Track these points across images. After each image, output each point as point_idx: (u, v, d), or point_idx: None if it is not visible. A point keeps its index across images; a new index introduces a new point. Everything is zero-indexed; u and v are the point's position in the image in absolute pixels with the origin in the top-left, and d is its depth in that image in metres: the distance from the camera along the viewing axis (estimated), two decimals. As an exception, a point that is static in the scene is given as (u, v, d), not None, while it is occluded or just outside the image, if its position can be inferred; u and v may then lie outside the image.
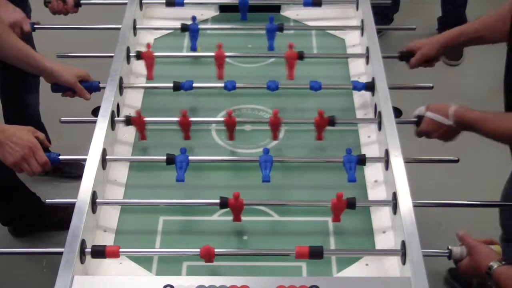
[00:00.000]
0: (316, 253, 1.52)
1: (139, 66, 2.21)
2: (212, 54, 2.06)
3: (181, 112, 1.85)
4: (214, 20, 2.44)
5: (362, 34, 2.24)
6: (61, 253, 1.48)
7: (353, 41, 2.31)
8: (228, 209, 1.65)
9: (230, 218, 1.67)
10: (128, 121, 1.87)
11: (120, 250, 1.53)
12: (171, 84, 2.00)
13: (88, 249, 1.53)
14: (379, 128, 1.88)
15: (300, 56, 2.06)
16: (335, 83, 2.08)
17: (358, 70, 2.18)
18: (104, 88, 1.94)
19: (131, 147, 1.93)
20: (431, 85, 2.11)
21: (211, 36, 2.30)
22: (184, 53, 2.25)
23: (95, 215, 1.65)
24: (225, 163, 1.87)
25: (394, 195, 1.63)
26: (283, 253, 1.58)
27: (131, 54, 2.11)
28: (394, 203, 1.63)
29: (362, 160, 1.75)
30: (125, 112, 2.03)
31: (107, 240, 1.65)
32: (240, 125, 1.91)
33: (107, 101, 1.88)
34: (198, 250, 1.52)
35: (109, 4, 2.49)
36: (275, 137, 1.89)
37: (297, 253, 1.51)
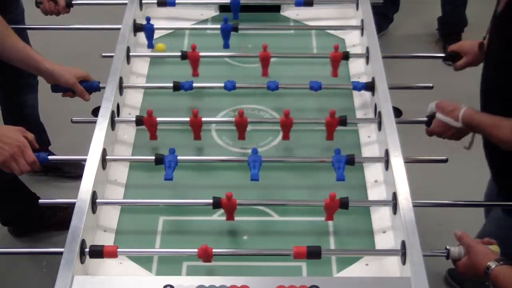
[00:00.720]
0: (314, 253, 1.51)
1: (139, 66, 2.21)
2: (257, 54, 2.06)
3: (193, 113, 1.84)
4: (214, 20, 2.44)
5: (362, 34, 2.24)
6: (61, 253, 1.48)
7: (353, 41, 2.31)
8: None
9: (230, 218, 1.68)
10: (139, 121, 1.87)
11: (119, 250, 1.53)
12: (171, 84, 2.00)
13: (88, 249, 1.53)
14: (379, 128, 1.88)
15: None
16: (335, 83, 2.08)
17: (358, 70, 2.18)
18: (104, 88, 1.94)
19: (131, 147, 1.93)
20: (431, 85, 2.11)
21: (211, 36, 2.30)
22: (217, 53, 2.22)
23: (95, 215, 1.65)
24: (225, 163, 1.87)
25: (394, 195, 1.63)
26: (283, 253, 1.58)
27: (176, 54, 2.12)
28: (394, 203, 1.63)
29: (351, 160, 1.75)
30: (125, 112, 2.03)
31: (107, 240, 1.65)
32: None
33: (107, 101, 1.88)
34: (196, 250, 1.52)
35: (109, 4, 2.49)
36: (285, 137, 1.88)
37: (295, 253, 1.51)
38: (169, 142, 1.93)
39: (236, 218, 1.68)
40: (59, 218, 2.80)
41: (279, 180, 1.83)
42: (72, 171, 3.10)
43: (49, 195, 2.85)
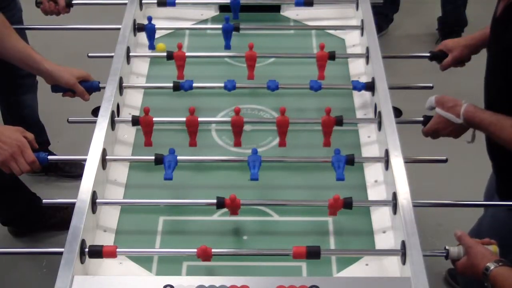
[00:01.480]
0: (313, 253, 1.51)
1: (139, 66, 2.21)
2: (243, 54, 2.05)
3: (189, 110, 1.84)
4: (214, 20, 2.44)
5: (362, 34, 2.24)
6: (61, 253, 1.48)
7: (353, 41, 2.31)
8: (227, 209, 1.65)
9: (230, 218, 1.68)
10: (135, 121, 1.87)
11: (118, 250, 1.53)
12: (171, 84, 2.00)
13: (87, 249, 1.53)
14: (379, 128, 1.88)
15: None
16: (335, 83, 2.08)
17: (358, 70, 2.18)
18: (104, 88, 1.94)
19: (131, 147, 1.93)
20: (431, 85, 2.11)
21: (211, 36, 2.30)
22: (217, 53, 2.22)
23: (95, 215, 1.65)
24: (225, 163, 1.87)
25: (394, 195, 1.63)
26: (283, 253, 1.58)
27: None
28: (394, 203, 1.63)
29: (350, 160, 1.75)
30: (125, 112, 2.03)
31: (107, 240, 1.65)
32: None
33: (107, 101, 1.88)
34: (195, 250, 1.52)
35: (109, 4, 2.49)
36: (281, 143, 1.86)
37: (294, 253, 1.51)
38: (169, 142, 1.93)
39: (236, 218, 1.68)
40: (59, 218, 2.81)
41: (279, 180, 1.83)
42: (72, 171, 3.10)
43: (49, 195, 2.85)
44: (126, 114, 2.02)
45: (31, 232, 2.86)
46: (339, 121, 1.85)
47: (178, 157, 1.75)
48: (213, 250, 1.52)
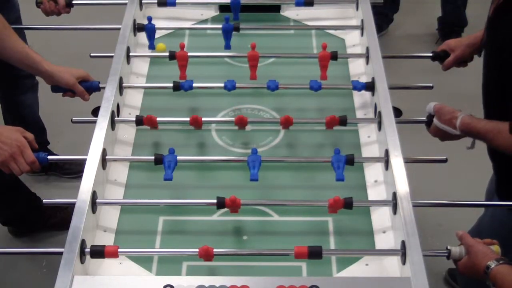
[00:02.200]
0: (315, 253, 1.51)
1: (139, 66, 2.21)
2: (243, 54, 2.06)
3: (192, 118, 1.86)
4: (214, 20, 2.44)
5: (362, 34, 2.24)
6: (61, 253, 1.48)
7: (353, 41, 2.31)
8: (226, 209, 1.65)
9: (230, 218, 1.68)
10: (139, 121, 1.87)
11: (119, 250, 1.53)
12: (171, 84, 2.00)
13: (89, 249, 1.53)
14: (379, 128, 1.88)
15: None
16: (335, 83, 2.08)
17: (358, 70, 2.18)
18: (104, 88, 1.94)
19: (131, 147, 1.93)
20: (431, 85, 2.11)
21: (211, 36, 2.30)
22: (218, 53, 2.22)
23: (95, 215, 1.65)
24: (225, 163, 1.87)
25: (394, 195, 1.63)
26: (283, 253, 1.58)
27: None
28: (394, 203, 1.63)
29: (350, 160, 1.75)
30: (125, 112, 2.03)
31: (107, 240, 1.65)
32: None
33: (107, 101, 1.88)
34: (197, 250, 1.52)
35: (109, 4, 2.49)
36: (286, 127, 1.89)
37: (296, 253, 1.51)
38: (169, 142, 1.93)
39: (236, 218, 1.68)
40: (59, 218, 2.81)
41: (279, 180, 1.83)
42: (72, 168, 3.10)
43: (49, 195, 2.84)
44: (126, 114, 2.02)
45: (31, 232, 2.86)
46: (342, 121, 1.85)
47: (178, 157, 1.75)
48: (214, 250, 1.52)
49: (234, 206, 1.62)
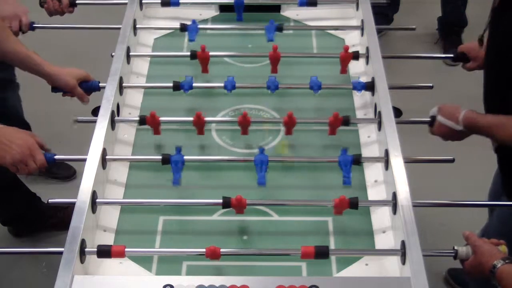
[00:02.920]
0: (321, 253, 1.52)
1: (139, 66, 2.21)
2: (257, 54, 2.09)
3: (196, 114, 1.86)
4: (214, 20, 2.44)
5: (362, 34, 2.24)
6: (61, 253, 1.48)
7: (353, 41, 2.31)
8: (227, 209, 1.65)
9: (230, 218, 1.68)
10: (142, 121, 1.87)
11: (126, 250, 1.53)
12: (171, 84, 2.00)
13: (89, 249, 1.53)
14: (379, 128, 1.88)
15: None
16: (335, 83, 2.08)
17: (358, 70, 2.18)
18: (104, 88, 1.94)
19: (131, 147, 1.93)
20: (431, 84, 2.11)
21: (211, 36, 2.30)
22: (228, 53, 2.23)
23: (95, 215, 1.65)
24: (225, 163, 1.87)
25: (394, 195, 1.63)
26: (283, 253, 1.58)
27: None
28: (394, 203, 1.63)
29: (356, 160, 1.75)
30: (125, 112, 2.03)
31: (107, 240, 1.65)
32: (238, 125, 1.90)
33: (107, 101, 1.88)
34: (204, 249, 1.52)
35: (109, 4, 2.49)
36: (288, 133, 1.89)
37: (302, 253, 1.51)
38: (169, 142, 1.93)
39: (236, 218, 1.68)
40: (59, 218, 2.80)
41: (279, 180, 1.83)
42: (60, 173, 3.09)
43: (49, 195, 2.83)
44: (126, 114, 2.03)
45: (31, 232, 2.86)
46: (345, 121, 1.86)
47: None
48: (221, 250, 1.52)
49: (240, 206, 1.62)
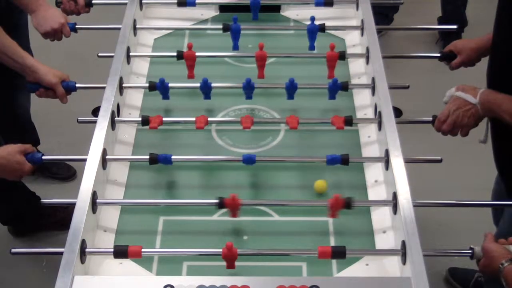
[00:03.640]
0: (338, 253, 1.52)
1: (139, 66, 2.21)
2: (250, 54, 2.06)
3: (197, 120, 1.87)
4: (214, 20, 2.44)
5: (362, 34, 2.24)
6: (61, 253, 1.48)
7: (353, 41, 2.31)
8: (228, 209, 1.66)
9: (230, 218, 1.68)
10: (146, 121, 1.87)
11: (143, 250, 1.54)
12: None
13: (89, 249, 1.53)
14: (379, 128, 1.88)
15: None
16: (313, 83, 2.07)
17: (358, 70, 2.18)
18: (102, 88, 1.94)
19: (131, 147, 1.93)
20: (407, 85, 2.10)
21: (211, 36, 2.30)
22: (224, 53, 2.23)
23: (95, 215, 1.65)
24: (225, 163, 1.87)
25: (394, 195, 1.63)
26: (283, 253, 1.59)
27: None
28: (394, 203, 1.63)
29: (344, 160, 1.74)
30: (125, 112, 2.03)
31: (107, 240, 1.65)
32: (238, 125, 1.90)
33: (107, 101, 1.88)
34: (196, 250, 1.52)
35: (109, 4, 2.49)
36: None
37: (320, 253, 1.52)
38: (169, 142, 1.93)
39: (236, 219, 1.68)
40: (59, 218, 2.80)
41: (279, 180, 1.83)
42: (60, 172, 3.09)
43: (49, 195, 2.85)
44: (126, 114, 2.03)
45: (31, 232, 2.86)
46: (348, 121, 1.86)
47: (179, 157, 1.76)
48: (215, 250, 1.52)
49: (234, 205, 1.61)
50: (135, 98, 2.09)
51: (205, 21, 2.43)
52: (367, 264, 1.59)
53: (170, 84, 1.98)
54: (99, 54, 2.22)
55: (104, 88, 1.93)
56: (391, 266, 1.57)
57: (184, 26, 2.39)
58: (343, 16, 2.42)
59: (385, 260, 1.60)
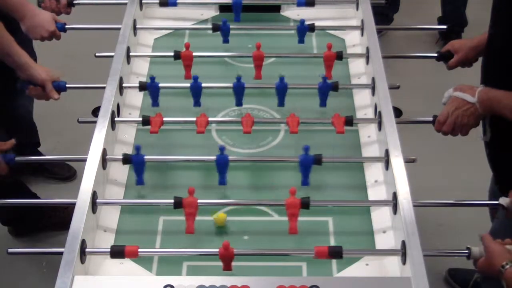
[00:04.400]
0: (335, 253, 1.52)
1: (139, 66, 2.21)
2: (250, 54, 2.06)
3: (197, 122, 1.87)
4: (214, 20, 2.43)
5: (362, 34, 2.24)
6: (61, 253, 1.47)
7: (353, 41, 2.31)
8: (228, 209, 1.65)
9: (230, 218, 1.68)
10: (146, 121, 1.87)
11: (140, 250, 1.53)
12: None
13: (89, 249, 1.53)
14: (379, 128, 1.88)
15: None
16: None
17: (358, 70, 2.18)
18: (101, 88, 1.94)
19: (131, 147, 1.93)
20: (397, 85, 2.10)
21: (211, 36, 2.30)
22: (222, 53, 2.24)
23: (95, 215, 1.65)
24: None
25: (394, 195, 1.63)
26: (283, 253, 1.59)
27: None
28: (394, 203, 1.63)
29: (317, 160, 1.74)
30: (125, 112, 2.03)
31: (107, 240, 1.65)
32: (238, 125, 1.90)
33: (107, 101, 1.88)
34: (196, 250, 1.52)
35: (109, 4, 2.49)
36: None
37: (316, 253, 1.51)
38: (169, 142, 1.93)
39: (236, 218, 1.68)
40: (59, 218, 2.80)
41: (279, 180, 1.83)
42: (60, 173, 3.09)
43: (49, 195, 2.85)
44: (126, 114, 2.03)
45: (31, 232, 2.86)
46: (348, 121, 1.86)
47: (182, 157, 1.77)
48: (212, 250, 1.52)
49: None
50: (135, 98, 2.09)
51: (205, 21, 2.43)
52: (367, 264, 1.59)
53: (166, 84, 1.99)
54: (97, 54, 2.23)
55: (104, 88, 1.93)
56: (391, 266, 1.57)
57: (184, 26, 2.39)
58: (343, 16, 2.43)
59: (385, 260, 1.60)
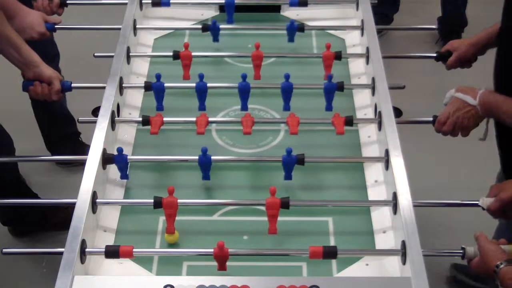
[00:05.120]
0: (330, 253, 1.52)
1: (139, 66, 2.21)
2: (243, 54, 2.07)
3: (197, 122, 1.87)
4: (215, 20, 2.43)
5: (362, 34, 2.24)
6: (61, 253, 1.47)
7: (353, 41, 2.31)
8: (227, 209, 1.65)
9: (230, 218, 1.68)
10: (146, 121, 1.87)
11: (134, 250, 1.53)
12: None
13: (89, 249, 1.53)
14: (379, 128, 1.88)
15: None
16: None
17: (358, 70, 2.18)
18: (104, 88, 1.94)
19: (131, 147, 1.93)
20: (402, 85, 2.10)
21: (211, 36, 2.30)
22: (221, 53, 2.24)
23: (95, 215, 1.65)
24: (224, 163, 1.87)
25: (394, 195, 1.63)
26: (283, 253, 1.59)
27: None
28: (394, 203, 1.63)
29: (300, 160, 1.74)
30: (125, 112, 2.03)
31: (107, 240, 1.65)
32: (238, 125, 1.90)
33: (107, 101, 1.88)
34: (196, 250, 1.52)
35: (109, 4, 2.49)
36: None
37: (311, 253, 1.51)
38: (169, 142, 1.93)
39: (236, 218, 1.68)
40: (59, 218, 2.80)
41: (279, 180, 1.82)
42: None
43: (49, 195, 2.85)
44: (126, 114, 2.03)
45: (31, 232, 2.86)
46: (349, 121, 1.86)
47: (179, 157, 1.75)
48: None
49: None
50: (135, 98, 2.09)
51: (205, 21, 2.43)
52: (367, 264, 1.59)
53: (171, 85, 1.99)
54: (95, 54, 2.23)
55: (104, 88, 1.93)
56: (391, 266, 1.57)
57: (184, 26, 2.39)
58: (343, 16, 2.43)
59: (385, 260, 1.60)
